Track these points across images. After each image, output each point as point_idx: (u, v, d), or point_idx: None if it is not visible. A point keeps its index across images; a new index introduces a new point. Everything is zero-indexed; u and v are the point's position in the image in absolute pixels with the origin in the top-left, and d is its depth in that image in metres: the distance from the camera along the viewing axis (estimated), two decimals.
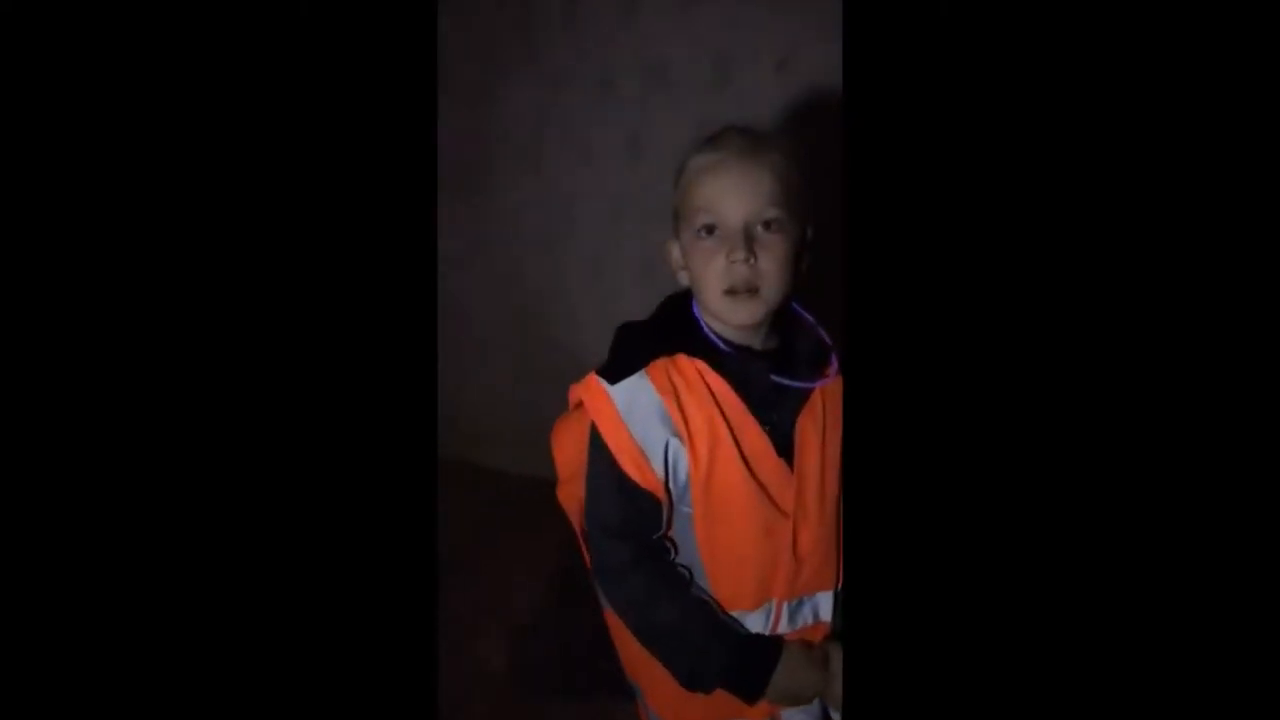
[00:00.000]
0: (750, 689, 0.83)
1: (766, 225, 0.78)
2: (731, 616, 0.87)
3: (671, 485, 0.83)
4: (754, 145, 0.79)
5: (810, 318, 0.89)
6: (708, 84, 1.75)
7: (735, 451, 0.81)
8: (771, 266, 0.78)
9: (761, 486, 0.82)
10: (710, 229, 0.78)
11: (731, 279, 0.78)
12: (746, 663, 0.83)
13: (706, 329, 0.84)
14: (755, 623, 0.88)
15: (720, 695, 0.85)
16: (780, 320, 0.87)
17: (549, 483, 0.99)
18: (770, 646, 0.85)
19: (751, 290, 0.78)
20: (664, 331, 0.85)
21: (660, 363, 0.82)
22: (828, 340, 0.87)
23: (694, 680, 0.84)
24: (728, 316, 0.81)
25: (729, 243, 0.77)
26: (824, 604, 0.90)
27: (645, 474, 0.81)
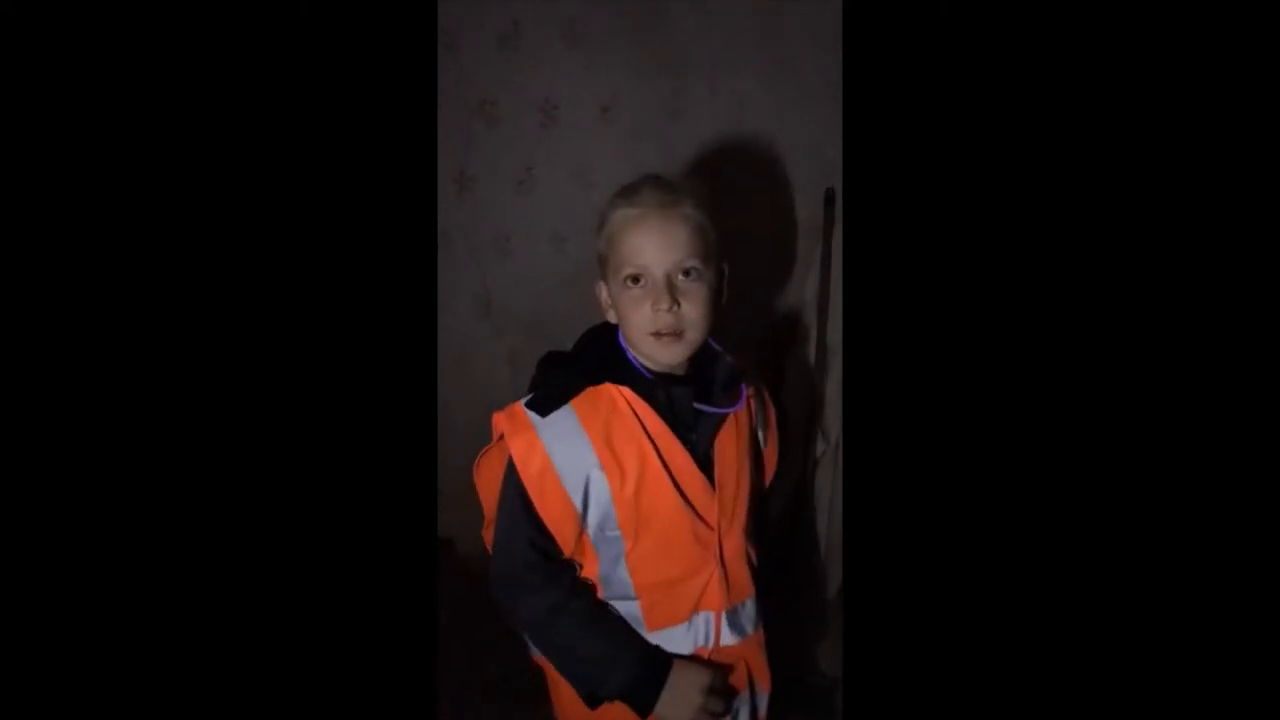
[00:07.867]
0: (644, 701, 0.90)
1: (686, 274, 0.86)
2: (627, 629, 0.93)
3: (592, 512, 0.89)
4: (670, 198, 0.86)
5: (720, 349, 0.97)
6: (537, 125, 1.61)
7: (664, 471, 0.88)
8: (694, 311, 0.86)
9: (688, 501, 0.90)
10: (636, 279, 0.86)
11: (657, 324, 0.86)
12: (642, 677, 0.90)
13: (632, 358, 0.92)
14: (685, 637, 0.95)
15: (614, 709, 0.91)
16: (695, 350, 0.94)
17: None
18: (661, 662, 0.92)
19: (677, 334, 0.86)
20: (591, 362, 0.92)
21: (586, 393, 0.89)
22: (737, 369, 0.96)
23: (593, 697, 0.91)
24: (655, 356, 0.89)
25: (654, 293, 0.85)
26: (752, 612, 0.99)
27: (562, 501, 0.87)
